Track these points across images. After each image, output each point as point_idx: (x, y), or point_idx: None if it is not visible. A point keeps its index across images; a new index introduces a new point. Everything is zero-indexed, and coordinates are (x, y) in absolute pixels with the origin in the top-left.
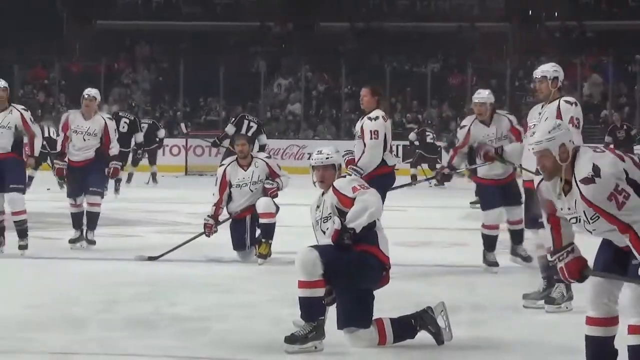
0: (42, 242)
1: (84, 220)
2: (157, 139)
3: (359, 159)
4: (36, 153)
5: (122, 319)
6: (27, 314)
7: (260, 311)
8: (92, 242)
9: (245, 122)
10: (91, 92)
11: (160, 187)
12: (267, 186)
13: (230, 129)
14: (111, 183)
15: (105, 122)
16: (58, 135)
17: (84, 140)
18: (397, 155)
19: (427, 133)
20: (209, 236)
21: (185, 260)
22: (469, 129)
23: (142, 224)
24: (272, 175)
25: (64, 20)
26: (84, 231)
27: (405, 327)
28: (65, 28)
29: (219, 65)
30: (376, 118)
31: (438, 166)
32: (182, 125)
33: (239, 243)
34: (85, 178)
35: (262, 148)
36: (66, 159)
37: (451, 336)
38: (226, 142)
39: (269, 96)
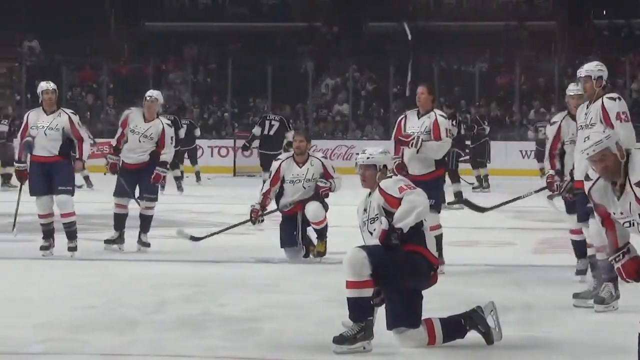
0: (91, 244)
1: (126, 223)
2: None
3: (428, 141)
4: (84, 157)
5: (171, 320)
6: (77, 315)
7: (308, 312)
8: (147, 244)
9: (267, 122)
10: (153, 93)
11: (208, 188)
12: (320, 184)
13: (256, 130)
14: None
15: (164, 128)
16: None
17: (139, 141)
18: None
19: None
20: (255, 223)
21: (234, 261)
22: (559, 126)
23: (190, 224)
24: (326, 176)
25: (111, 22)
26: (123, 233)
27: (454, 327)
28: (113, 30)
29: (266, 66)
30: (447, 117)
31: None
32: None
33: (289, 239)
34: (139, 182)
35: (289, 144)
36: (120, 156)
37: (501, 336)
38: (255, 143)
39: (316, 96)
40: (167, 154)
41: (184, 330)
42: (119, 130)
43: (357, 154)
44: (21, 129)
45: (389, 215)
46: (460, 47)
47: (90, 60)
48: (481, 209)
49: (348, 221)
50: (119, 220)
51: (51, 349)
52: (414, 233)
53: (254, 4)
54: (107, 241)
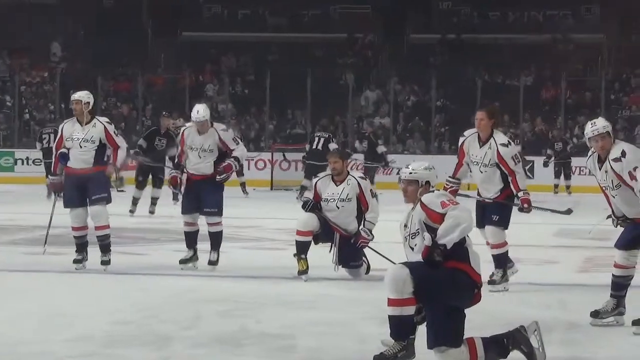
0: (124, 257)
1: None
2: None
3: (519, 185)
4: (118, 163)
5: (207, 336)
6: (112, 330)
7: (348, 329)
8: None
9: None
10: (200, 109)
11: (245, 202)
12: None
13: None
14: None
15: (218, 134)
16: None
17: (200, 157)
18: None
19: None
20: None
21: (271, 277)
22: None
23: (226, 239)
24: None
25: (149, 32)
26: (197, 250)
27: (497, 347)
28: (150, 40)
29: (305, 78)
30: (508, 143)
31: None
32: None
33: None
34: (200, 196)
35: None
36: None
37: (544, 356)
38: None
39: (356, 109)
40: (239, 150)
41: (220, 347)
42: (178, 149)
43: (399, 168)
44: (56, 140)
45: (431, 230)
46: (504, 60)
47: (126, 70)
48: None
49: (389, 237)
50: (190, 238)
51: None
52: (458, 249)
53: (294, 14)
54: (181, 261)
